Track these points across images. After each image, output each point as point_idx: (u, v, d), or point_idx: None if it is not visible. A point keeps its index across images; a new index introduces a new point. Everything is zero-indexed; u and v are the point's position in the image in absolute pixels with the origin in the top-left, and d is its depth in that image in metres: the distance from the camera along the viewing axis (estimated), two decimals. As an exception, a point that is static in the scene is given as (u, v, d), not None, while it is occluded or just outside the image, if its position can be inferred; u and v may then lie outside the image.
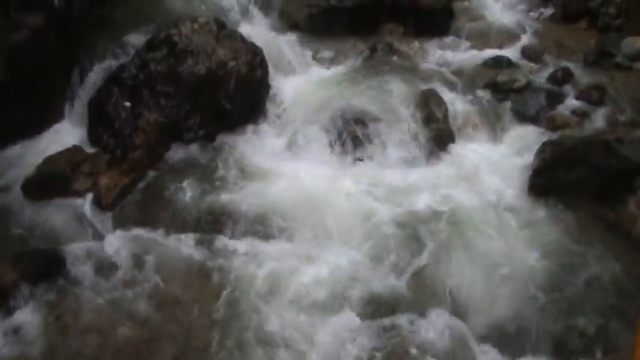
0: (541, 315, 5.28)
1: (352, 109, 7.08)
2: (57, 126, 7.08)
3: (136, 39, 7.68)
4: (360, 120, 6.97)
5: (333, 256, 5.73)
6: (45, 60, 6.71)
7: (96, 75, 7.31)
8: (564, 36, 8.46)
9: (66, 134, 6.99)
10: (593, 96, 7.29)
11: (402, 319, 5.24)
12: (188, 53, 6.97)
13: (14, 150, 6.72)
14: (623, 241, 5.82)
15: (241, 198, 6.27)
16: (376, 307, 5.35)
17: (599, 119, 7.04)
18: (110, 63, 7.40)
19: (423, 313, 5.29)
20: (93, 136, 6.87)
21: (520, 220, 6.10)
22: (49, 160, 6.37)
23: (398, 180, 6.55)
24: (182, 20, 7.30)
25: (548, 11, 9.13)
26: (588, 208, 6.12)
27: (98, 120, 6.89)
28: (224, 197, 6.29)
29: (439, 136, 6.95)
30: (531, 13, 9.11)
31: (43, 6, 6.55)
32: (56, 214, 6.08)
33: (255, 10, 8.93)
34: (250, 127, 7.14)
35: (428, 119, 7.02)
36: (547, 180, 6.35)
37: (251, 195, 6.31)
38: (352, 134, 6.90)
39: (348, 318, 5.26)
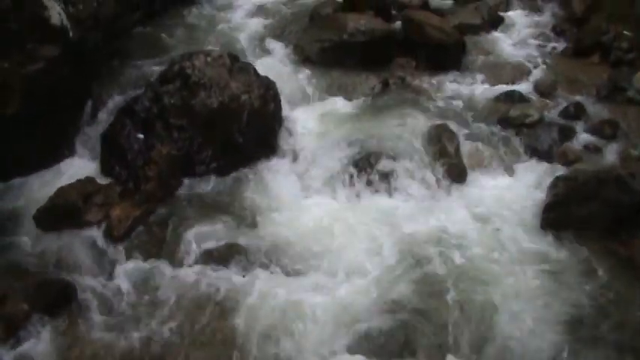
0: (554, 354, 5.26)
1: (365, 143, 7.17)
2: (70, 157, 7.18)
3: (150, 71, 7.90)
4: (373, 154, 7.03)
5: (344, 294, 5.73)
6: (59, 91, 6.80)
7: (109, 107, 7.46)
8: (576, 70, 8.53)
9: (79, 165, 7.09)
10: (606, 131, 7.35)
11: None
12: (201, 86, 7.07)
13: (27, 181, 6.81)
14: (636, 276, 5.82)
15: (253, 233, 6.34)
16: (383, 349, 5.32)
17: (611, 154, 7.11)
18: (124, 95, 7.56)
19: (433, 356, 5.26)
20: (105, 168, 6.96)
21: (532, 255, 6.10)
22: (62, 191, 6.43)
23: (410, 215, 6.57)
24: (196, 53, 7.43)
25: (561, 46, 9.21)
26: (601, 243, 6.13)
27: (111, 152, 7.00)
28: (235, 231, 6.35)
29: (451, 170, 7.00)
30: (543, 48, 9.18)
31: (58, 38, 6.63)
32: (68, 245, 6.13)
33: (268, 44, 9.17)
34: (263, 161, 7.20)
35: (440, 154, 7.08)
36: (560, 215, 6.37)
37: (262, 230, 6.37)
38: (365, 169, 6.95)
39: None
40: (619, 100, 7.83)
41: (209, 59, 7.29)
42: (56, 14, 6.52)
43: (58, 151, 7.07)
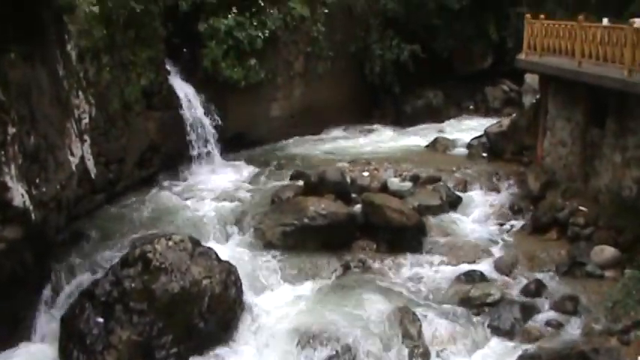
0: None
1: (326, 330, 7.42)
2: (27, 340, 7.31)
3: (111, 255, 8.26)
4: (334, 340, 7.28)
5: None
6: (19, 273, 7.00)
7: (70, 290, 7.75)
8: (535, 247, 9.08)
9: (36, 349, 7.23)
10: (567, 306, 7.76)
11: None
12: (162, 271, 7.42)
13: (-18, 367, 6.96)
14: None
15: None
16: None
17: (574, 329, 7.45)
18: (84, 278, 7.87)
19: None
20: (64, 353, 7.13)
21: None
22: (17, 378, 6.58)
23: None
24: (157, 238, 7.84)
25: (519, 224, 9.83)
26: None
27: (70, 335, 7.18)
28: None
29: (414, 353, 7.28)
30: (502, 227, 9.78)
31: (21, 220, 6.85)
32: None
33: (230, 228, 9.64)
34: (223, 346, 7.43)
35: (403, 336, 7.39)
36: (525, 395, 6.65)
37: None
38: (326, 357, 7.17)
39: None
40: (578, 275, 8.35)
41: (170, 243, 7.67)
42: (19, 196, 6.74)
43: (16, 334, 7.20)
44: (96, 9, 9.71)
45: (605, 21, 10.02)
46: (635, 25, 8.67)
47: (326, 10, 14.92)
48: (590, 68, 9.35)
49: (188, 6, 12.28)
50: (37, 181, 7.00)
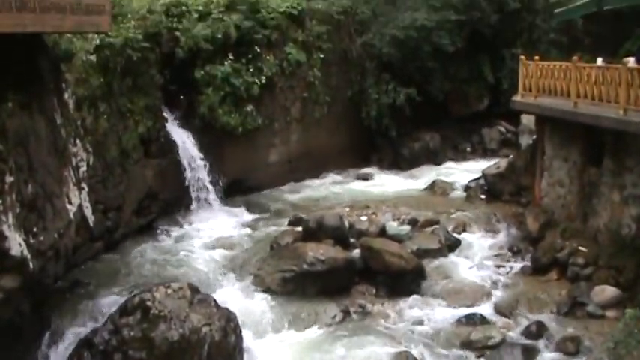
0: None
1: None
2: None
3: (110, 302, 8.24)
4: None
5: None
6: (17, 323, 6.96)
7: (68, 339, 7.70)
8: (536, 288, 9.10)
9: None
10: (569, 347, 7.77)
11: None
12: (161, 319, 7.41)
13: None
14: None
15: None
16: None
17: (576, 371, 7.44)
18: (83, 327, 7.84)
19: None
20: (64, 407, 7.11)
21: None
22: None
23: None
24: (156, 285, 7.84)
25: (518, 265, 9.87)
26: None
27: (69, 386, 7.16)
28: None
29: (416, 399, 7.30)
30: (502, 268, 9.80)
31: (19, 269, 6.86)
32: None
33: (228, 275, 9.66)
34: (224, 398, 7.39)
35: (404, 382, 7.41)
36: None
37: None
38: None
39: None
40: (579, 315, 8.37)
41: (169, 291, 7.68)
42: (17, 245, 6.74)
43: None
44: (93, 57, 9.92)
45: (599, 61, 10.18)
46: (629, 65, 8.81)
47: (322, 55, 15.04)
48: (585, 108, 9.48)
49: (184, 53, 12.35)
50: (35, 229, 7.03)
